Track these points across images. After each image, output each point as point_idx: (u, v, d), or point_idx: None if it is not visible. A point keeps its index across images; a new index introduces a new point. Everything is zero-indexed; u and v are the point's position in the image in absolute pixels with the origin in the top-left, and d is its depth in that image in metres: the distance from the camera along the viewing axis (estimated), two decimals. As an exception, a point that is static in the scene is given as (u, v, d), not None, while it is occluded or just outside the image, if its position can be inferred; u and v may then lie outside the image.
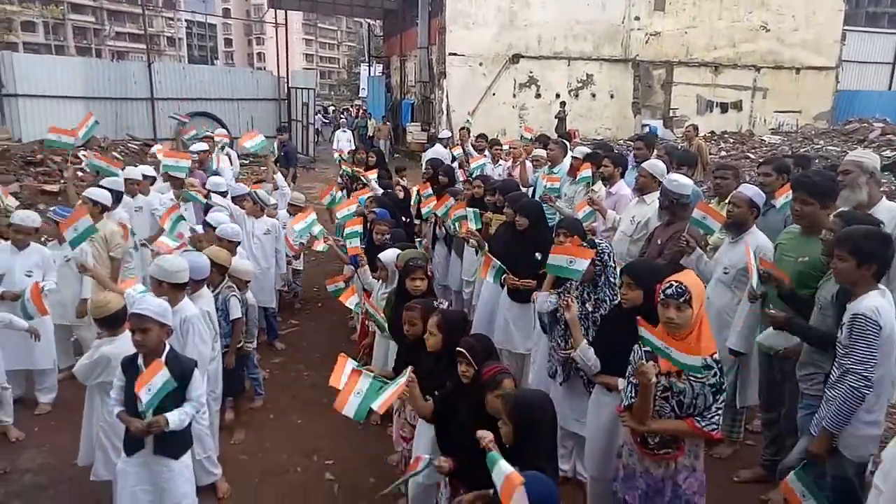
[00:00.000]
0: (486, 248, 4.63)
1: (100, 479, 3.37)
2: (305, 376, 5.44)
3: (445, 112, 18.22)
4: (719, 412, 2.51)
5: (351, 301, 4.65)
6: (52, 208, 4.93)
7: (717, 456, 3.95)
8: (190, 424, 2.95)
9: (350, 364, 3.15)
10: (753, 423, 4.26)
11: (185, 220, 5.38)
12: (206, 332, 3.54)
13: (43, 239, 4.89)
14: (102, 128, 13.57)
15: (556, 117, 17.01)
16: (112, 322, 3.21)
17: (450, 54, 18.19)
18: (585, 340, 3.09)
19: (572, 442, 3.60)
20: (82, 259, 4.63)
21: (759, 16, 20.27)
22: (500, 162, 8.15)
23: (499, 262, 4.28)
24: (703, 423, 2.49)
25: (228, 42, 78.30)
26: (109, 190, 5.14)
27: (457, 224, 5.28)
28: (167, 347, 2.93)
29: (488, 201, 5.39)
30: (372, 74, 26.52)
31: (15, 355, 4.24)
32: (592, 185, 5.62)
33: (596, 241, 3.59)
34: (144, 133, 16.86)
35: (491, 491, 2.19)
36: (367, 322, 4.59)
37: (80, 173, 7.64)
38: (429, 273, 3.99)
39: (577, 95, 19.29)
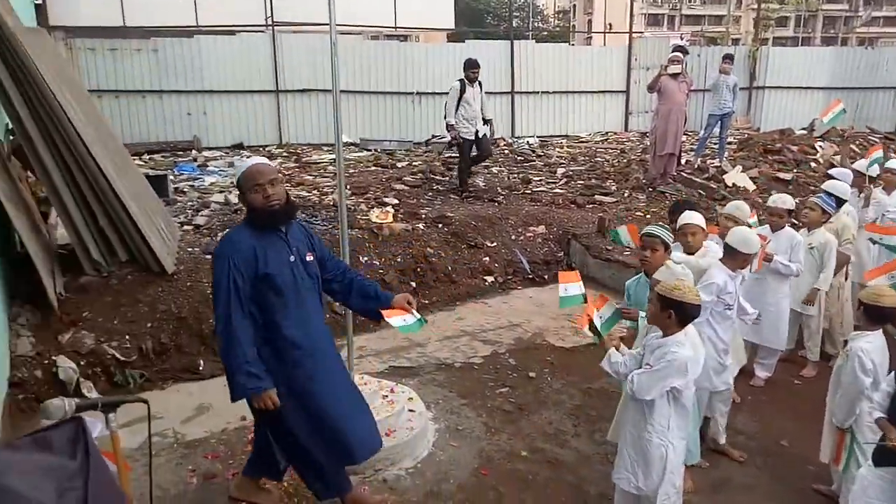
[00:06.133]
0: None
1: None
2: None
3: None
4: None
5: None
6: (818, 196, 5.06)
7: None
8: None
9: None
10: None
11: None
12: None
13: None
14: (843, 118, 13.11)
15: None
16: (875, 315, 3.09)
17: None
18: None
19: None
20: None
21: None
22: None
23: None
24: None
25: None
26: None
27: None
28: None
29: None
30: None
31: (749, 328, 4.59)
32: None
33: None
34: (885, 126, 15.40)
35: None
36: None
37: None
38: None
39: None
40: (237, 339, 2.80)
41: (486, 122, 8.57)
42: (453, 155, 11.84)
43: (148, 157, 10.98)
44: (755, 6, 22.03)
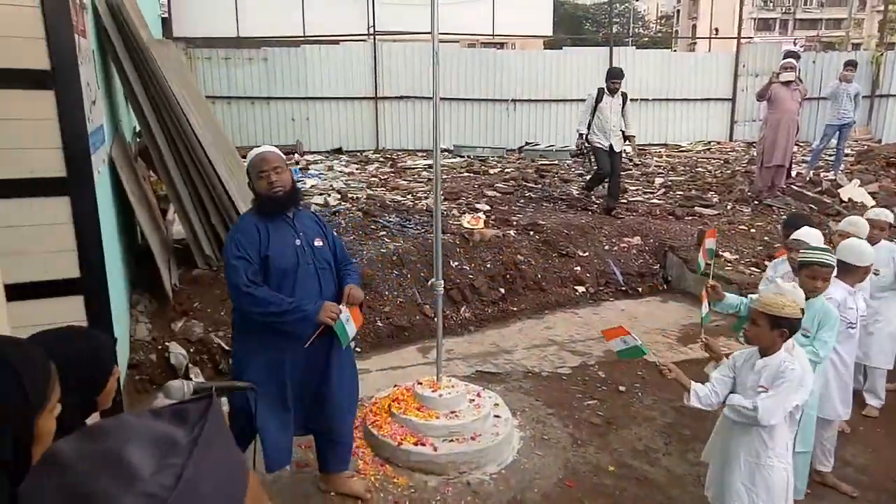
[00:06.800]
0: None
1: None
2: None
3: None
4: None
5: None
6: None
7: None
8: None
9: None
10: None
11: None
12: None
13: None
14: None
15: None
16: None
17: None
18: None
19: None
20: None
21: None
22: None
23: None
24: None
25: None
26: None
27: None
28: None
29: None
30: None
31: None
32: None
33: None
34: None
35: None
36: None
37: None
38: None
39: None
40: (262, 297, 2.86)
41: (626, 138, 8.03)
42: (546, 162, 11.76)
43: (255, 159, 11.59)
44: (881, 8, 20.40)
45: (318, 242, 3.09)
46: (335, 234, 3.33)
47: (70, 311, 2.74)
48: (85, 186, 2.77)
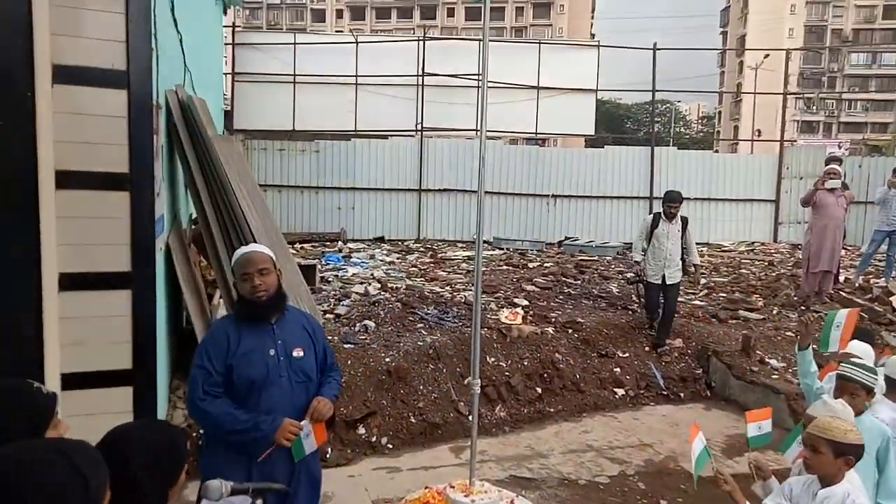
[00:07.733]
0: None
1: None
2: None
3: None
4: None
5: None
6: None
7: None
8: None
9: None
10: None
11: None
12: None
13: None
14: None
15: None
16: None
17: None
18: None
19: None
20: None
21: None
22: None
23: None
24: None
25: None
26: None
27: None
28: None
29: None
30: None
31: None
32: None
33: None
34: None
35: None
36: None
37: None
38: None
39: None
40: (213, 413, 2.68)
41: (686, 270, 7.29)
42: (586, 258, 11.79)
43: (300, 245, 11.98)
44: (926, 115, 20.50)
45: (297, 353, 2.83)
46: (326, 341, 3.09)
47: (118, 401, 2.82)
48: (146, 281, 2.93)
